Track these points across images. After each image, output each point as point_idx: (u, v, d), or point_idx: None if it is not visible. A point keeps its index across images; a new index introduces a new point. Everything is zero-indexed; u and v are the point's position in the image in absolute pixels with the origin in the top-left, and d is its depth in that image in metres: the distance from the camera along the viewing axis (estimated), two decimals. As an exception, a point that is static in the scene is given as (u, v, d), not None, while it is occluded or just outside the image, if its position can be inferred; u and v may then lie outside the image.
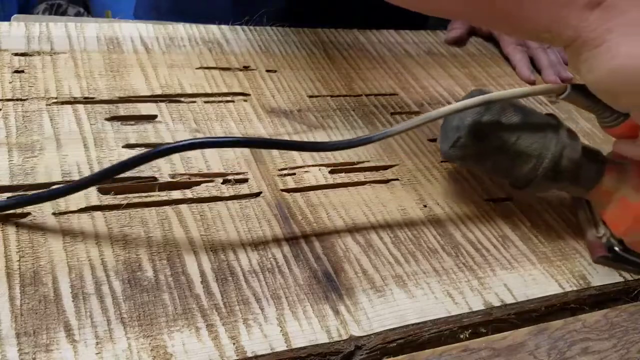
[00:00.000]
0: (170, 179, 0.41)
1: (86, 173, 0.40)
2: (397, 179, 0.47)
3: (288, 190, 0.43)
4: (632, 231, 0.42)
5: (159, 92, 0.49)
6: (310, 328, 0.34)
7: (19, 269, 0.33)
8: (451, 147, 0.41)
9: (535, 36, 0.36)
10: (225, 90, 0.52)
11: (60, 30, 0.53)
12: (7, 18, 0.55)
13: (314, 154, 0.47)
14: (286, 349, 0.33)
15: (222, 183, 0.42)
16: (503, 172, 0.43)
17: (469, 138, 0.40)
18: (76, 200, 0.38)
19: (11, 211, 0.36)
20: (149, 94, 0.48)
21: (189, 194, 0.41)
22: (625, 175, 0.42)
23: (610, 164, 0.42)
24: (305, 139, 0.49)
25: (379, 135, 0.40)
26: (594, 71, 0.34)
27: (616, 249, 0.43)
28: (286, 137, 0.48)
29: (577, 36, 0.34)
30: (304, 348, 0.33)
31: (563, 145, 0.41)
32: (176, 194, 0.40)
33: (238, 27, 0.62)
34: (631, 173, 0.42)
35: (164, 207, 0.39)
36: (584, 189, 0.43)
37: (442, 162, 0.50)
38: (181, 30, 0.58)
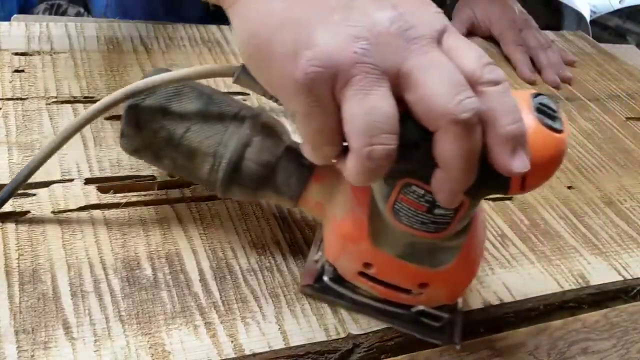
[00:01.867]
0: (169, 178, 0.41)
1: (85, 172, 0.40)
2: (396, 178, 0.47)
3: (287, 189, 0.43)
4: (342, 255, 0.34)
5: (158, 91, 0.49)
6: (308, 326, 0.34)
7: (18, 266, 0.33)
8: (120, 138, 0.35)
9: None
10: (224, 90, 0.52)
11: (60, 30, 0.53)
12: (7, 18, 0.55)
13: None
14: (284, 347, 0.33)
15: (221, 182, 0.42)
16: (187, 173, 0.36)
17: (128, 127, 0.34)
18: (75, 198, 0.38)
19: (10, 210, 0.36)
20: (148, 93, 0.48)
21: (187, 192, 0.41)
22: (333, 188, 0.34)
23: (320, 170, 0.34)
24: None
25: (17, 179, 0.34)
26: (235, 36, 0.29)
27: (325, 277, 0.35)
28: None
29: None
30: (302, 346, 0.33)
31: (245, 143, 0.33)
32: (175, 193, 0.40)
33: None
34: (339, 186, 0.33)
35: (163, 205, 0.39)
36: (289, 199, 0.35)
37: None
38: (181, 30, 0.58)
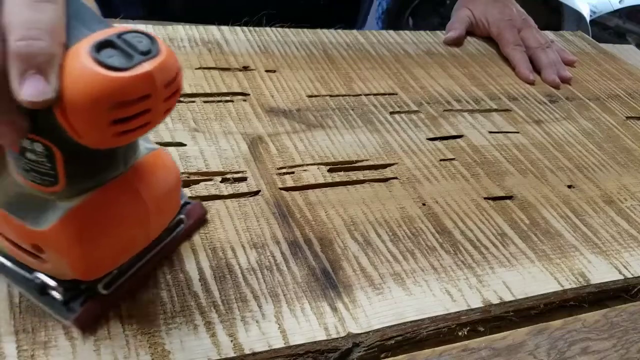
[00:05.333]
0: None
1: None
2: (396, 178, 0.47)
3: (287, 189, 0.43)
4: None
5: (158, 91, 0.49)
6: (308, 325, 0.34)
7: (18, 266, 0.33)
8: None
9: None
10: (224, 90, 0.52)
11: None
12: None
13: (313, 152, 0.47)
14: (284, 346, 0.33)
15: (221, 182, 0.42)
16: None
17: None
18: (75, 198, 0.38)
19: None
20: (148, 93, 0.48)
21: (187, 192, 0.41)
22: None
23: None
24: (305, 138, 0.49)
25: None
26: None
27: None
28: (285, 136, 0.48)
29: None
30: (302, 345, 0.33)
31: None
32: (175, 193, 0.40)
33: (237, 28, 0.62)
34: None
35: (163, 205, 0.39)
36: None
37: (441, 160, 0.50)
38: (181, 31, 0.58)
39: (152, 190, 0.30)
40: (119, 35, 0.24)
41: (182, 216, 0.36)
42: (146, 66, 0.23)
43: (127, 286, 0.33)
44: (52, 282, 0.30)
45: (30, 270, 0.30)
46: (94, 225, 0.28)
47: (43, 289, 0.30)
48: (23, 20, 0.22)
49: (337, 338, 0.34)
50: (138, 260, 0.33)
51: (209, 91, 0.51)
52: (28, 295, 0.31)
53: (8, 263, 0.31)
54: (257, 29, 0.63)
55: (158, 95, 0.24)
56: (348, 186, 0.45)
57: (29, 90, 0.22)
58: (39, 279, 0.30)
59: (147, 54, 0.24)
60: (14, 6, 0.22)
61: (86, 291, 0.31)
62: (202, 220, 0.39)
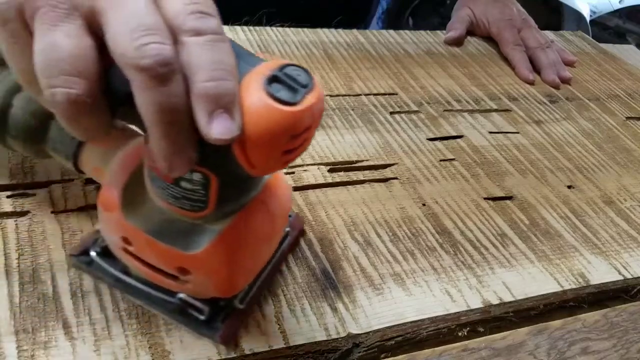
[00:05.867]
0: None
1: (85, 172, 0.40)
2: (396, 178, 0.47)
3: (287, 189, 0.43)
4: (103, 225, 0.31)
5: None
6: (308, 325, 0.34)
7: (18, 266, 0.33)
8: None
9: None
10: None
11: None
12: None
13: (313, 152, 0.47)
14: (284, 346, 0.33)
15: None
16: None
17: None
18: (75, 198, 0.38)
19: (10, 209, 0.36)
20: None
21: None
22: (108, 152, 0.31)
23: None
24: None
25: None
26: None
27: (92, 251, 0.33)
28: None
29: None
30: (302, 345, 0.33)
31: (12, 89, 0.31)
32: (175, 193, 0.40)
33: (237, 27, 0.62)
34: (115, 151, 0.31)
35: (163, 205, 0.39)
36: (65, 159, 0.32)
37: (441, 160, 0.50)
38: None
39: (278, 207, 0.31)
40: (281, 69, 0.25)
41: (287, 229, 0.37)
42: (310, 99, 0.25)
43: (256, 299, 0.34)
44: (198, 303, 0.31)
45: (169, 292, 0.31)
46: (241, 246, 0.29)
47: (183, 309, 0.32)
48: (207, 61, 0.23)
49: (337, 338, 0.34)
50: (261, 273, 0.34)
51: (209, 91, 0.51)
52: (166, 316, 0.32)
53: (145, 287, 0.32)
54: (257, 28, 0.63)
55: (315, 125, 0.26)
56: (348, 186, 0.45)
57: (218, 128, 0.23)
58: (181, 300, 0.31)
59: (306, 87, 0.25)
60: (193, 47, 0.23)
61: (225, 308, 0.32)
62: (302, 231, 0.39)
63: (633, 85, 0.73)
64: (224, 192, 0.27)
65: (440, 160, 0.50)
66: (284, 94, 0.24)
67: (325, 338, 0.34)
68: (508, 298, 0.39)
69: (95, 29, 0.23)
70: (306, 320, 0.34)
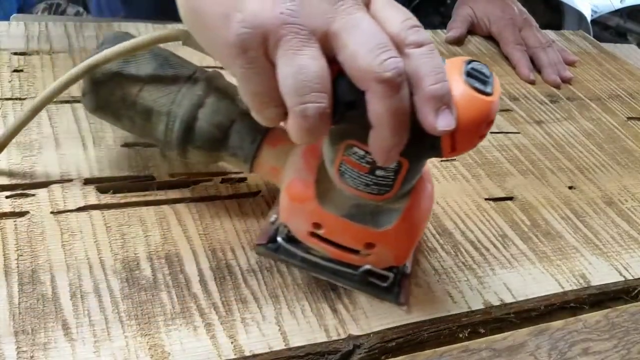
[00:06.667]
0: (168, 178, 0.41)
1: (85, 172, 0.40)
2: (396, 178, 0.47)
3: (287, 189, 0.43)
4: (293, 215, 0.34)
5: (158, 91, 0.49)
6: (308, 327, 0.34)
7: (17, 267, 0.33)
8: (82, 97, 0.36)
9: None
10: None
11: (59, 29, 0.53)
12: (6, 17, 0.55)
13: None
14: (284, 347, 0.33)
15: (221, 182, 0.42)
16: (143, 132, 0.37)
17: (88, 85, 0.35)
18: (74, 198, 0.38)
19: (9, 210, 0.36)
20: (148, 93, 0.48)
21: (187, 193, 0.41)
22: (287, 153, 0.35)
23: (274, 135, 0.36)
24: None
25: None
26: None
27: (279, 238, 0.36)
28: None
29: None
30: (302, 347, 0.33)
31: (197, 104, 0.35)
32: (174, 193, 0.40)
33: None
34: (293, 151, 0.35)
35: (162, 206, 0.39)
36: (243, 162, 0.36)
37: (441, 161, 0.50)
38: (181, 29, 0.58)
39: (430, 183, 0.35)
40: (468, 63, 0.28)
41: None
42: (497, 89, 0.28)
43: (412, 262, 0.39)
44: (383, 272, 0.35)
45: (352, 266, 0.35)
46: (420, 220, 0.34)
47: (364, 280, 0.36)
48: (431, 67, 0.27)
49: (338, 340, 0.34)
50: None
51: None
52: (350, 287, 0.36)
53: (329, 264, 0.35)
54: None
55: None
56: (348, 187, 0.45)
57: (443, 122, 0.27)
58: (367, 271, 0.35)
59: (489, 78, 0.28)
60: (418, 57, 0.27)
61: (397, 274, 0.37)
62: None
63: (634, 85, 0.73)
64: (408, 176, 0.31)
65: (441, 161, 0.50)
66: (479, 85, 0.28)
67: (325, 339, 0.34)
68: (509, 299, 0.39)
69: (325, 50, 0.26)
70: (306, 322, 0.34)
